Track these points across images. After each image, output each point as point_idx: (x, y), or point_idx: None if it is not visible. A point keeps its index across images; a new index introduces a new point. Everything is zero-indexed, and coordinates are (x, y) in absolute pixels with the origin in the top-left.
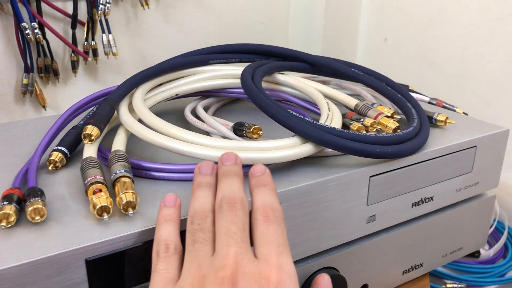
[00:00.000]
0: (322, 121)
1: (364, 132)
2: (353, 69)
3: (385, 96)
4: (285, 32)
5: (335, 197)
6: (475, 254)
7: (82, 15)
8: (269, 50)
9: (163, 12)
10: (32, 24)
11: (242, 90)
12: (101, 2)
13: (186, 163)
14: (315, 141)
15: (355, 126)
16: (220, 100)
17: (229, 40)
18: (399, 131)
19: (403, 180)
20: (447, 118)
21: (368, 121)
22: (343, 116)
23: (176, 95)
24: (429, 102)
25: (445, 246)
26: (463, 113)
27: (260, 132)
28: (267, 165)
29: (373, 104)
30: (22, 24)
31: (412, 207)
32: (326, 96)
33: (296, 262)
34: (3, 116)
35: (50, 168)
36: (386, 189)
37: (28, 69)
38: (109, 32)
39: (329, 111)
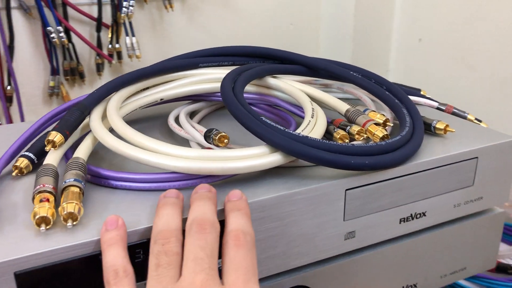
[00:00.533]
0: (301, 128)
1: (346, 142)
2: (351, 72)
3: (382, 100)
4: (316, 33)
5: (304, 211)
6: (508, 271)
7: (108, 18)
8: (264, 52)
9: (188, 14)
10: (58, 28)
11: None
12: (124, 6)
13: (147, 173)
14: (283, 150)
15: (338, 134)
16: (212, 104)
17: (257, 42)
18: (386, 140)
19: (386, 194)
20: (447, 126)
21: (355, 129)
22: (331, 122)
23: (161, 99)
24: (437, 108)
25: (444, 266)
26: (476, 119)
27: (226, 140)
28: (232, 176)
29: (365, 110)
30: (48, 28)
31: (400, 223)
32: (318, 101)
33: (264, 280)
34: (32, 117)
35: (14, 174)
36: (366, 203)
37: (54, 72)
38: (133, 35)
39: (312, 117)
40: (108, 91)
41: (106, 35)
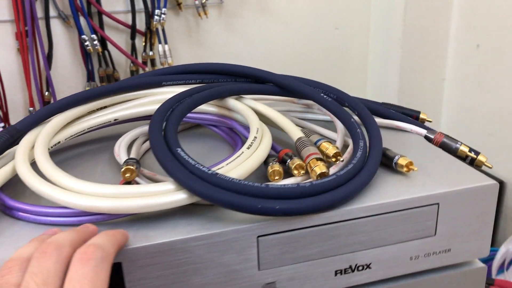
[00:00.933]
0: (231, 159)
1: (277, 178)
2: (321, 94)
3: (348, 130)
4: (365, 37)
5: (205, 259)
6: None
7: (143, 26)
8: (233, 70)
9: (225, 20)
10: (92, 36)
11: (199, 115)
12: (156, 14)
13: (48, 206)
14: (187, 189)
15: (270, 168)
16: None
17: (299, 47)
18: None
19: (314, 243)
20: (409, 163)
21: (294, 162)
22: (277, 152)
23: (115, 120)
24: (425, 137)
25: None
26: (471, 151)
27: (127, 175)
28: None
29: (318, 140)
30: (82, 36)
31: (336, 275)
32: (276, 125)
33: None
34: None
35: None
36: (286, 252)
37: (90, 78)
38: (165, 42)
39: (247, 148)
40: (50, 113)
41: (141, 43)
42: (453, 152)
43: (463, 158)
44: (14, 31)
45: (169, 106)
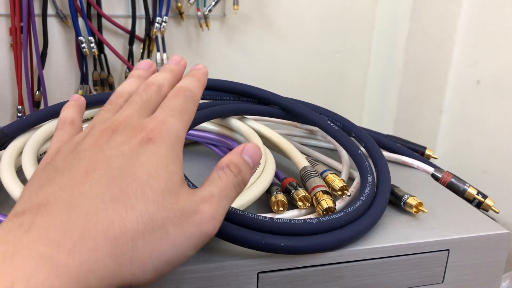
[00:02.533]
0: None
1: (281, 210)
2: (328, 122)
3: (355, 161)
4: (365, 64)
5: None
6: None
7: (143, 32)
8: (237, 88)
9: (227, 34)
10: (89, 38)
11: (199, 133)
12: (157, 21)
13: None
14: None
15: (274, 198)
16: None
17: (297, 68)
18: (328, 214)
19: (317, 283)
20: (419, 204)
21: (299, 193)
22: (281, 181)
23: None
24: (432, 175)
25: None
26: (479, 194)
27: None
28: None
29: (324, 171)
30: (79, 38)
31: None
32: (278, 150)
33: None
34: None
35: None
36: None
37: (84, 81)
38: (164, 51)
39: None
40: (41, 118)
41: (139, 49)
42: (461, 193)
43: (470, 200)
44: (9, 26)
45: None
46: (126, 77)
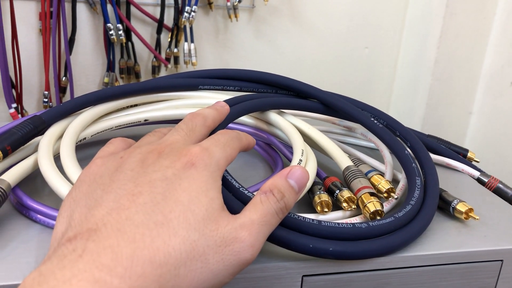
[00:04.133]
0: None
1: (326, 211)
2: (372, 119)
3: (401, 162)
4: (394, 60)
5: None
6: None
7: (171, 21)
8: (275, 80)
9: (254, 26)
10: (118, 25)
11: (235, 126)
12: (186, 10)
13: None
14: None
15: (318, 198)
16: None
17: (324, 62)
18: (377, 218)
19: None
20: (470, 210)
21: (344, 195)
22: (323, 180)
23: (145, 120)
24: (477, 179)
25: None
26: None
27: None
28: None
29: (369, 171)
30: (107, 24)
31: None
32: (322, 150)
33: None
34: None
35: None
36: None
37: (110, 68)
38: (192, 41)
39: None
40: (78, 106)
41: (166, 38)
42: (508, 199)
43: None
44: (38, 11)
45: None
46: (152, 66)
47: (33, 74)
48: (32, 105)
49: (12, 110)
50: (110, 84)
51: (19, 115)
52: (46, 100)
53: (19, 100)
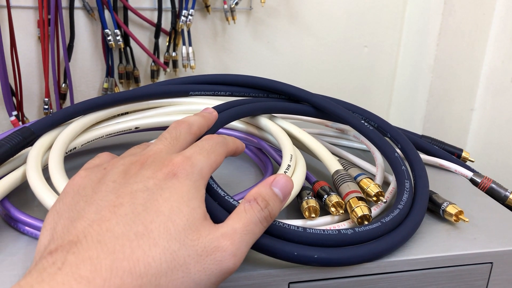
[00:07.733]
0: None
1: (313, 216)
2: (362, 121)
3: (391, 165)
4: (394, 58)
5: None
6: None
7: (169, 25)
8: (266, 85)
9: (253, 28)
10: (116, 31)
11: (226, 131)
12: (183, 14)
13: None
14: None
15: (306, 204)
16: None
17: (324, 62)
18: (365, 223)
19: None
20: (459, 212)
21: (332, 199)
22: (312, 184)
23: (136, 128)
24: (470, 179)
25: None
26: None
27: None
28: None
29: (358, 175)
30: (105, 30)
31: None
32: (307, 150)
33: None
34: None
35: None
36: None
37: (109, 74)
38: (190, 44)
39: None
40: (68, 116)
41: (165, 42)
42: (501, 200)
43: (510, 207)
44: (37, 19)
45: None
46: (151, 70)
47: (33, 82)
48: (33, 112)
49: (13, 118)
50: (110, 90)
51: (20, 123)
52: (47, 107)
53: (19, 107)
